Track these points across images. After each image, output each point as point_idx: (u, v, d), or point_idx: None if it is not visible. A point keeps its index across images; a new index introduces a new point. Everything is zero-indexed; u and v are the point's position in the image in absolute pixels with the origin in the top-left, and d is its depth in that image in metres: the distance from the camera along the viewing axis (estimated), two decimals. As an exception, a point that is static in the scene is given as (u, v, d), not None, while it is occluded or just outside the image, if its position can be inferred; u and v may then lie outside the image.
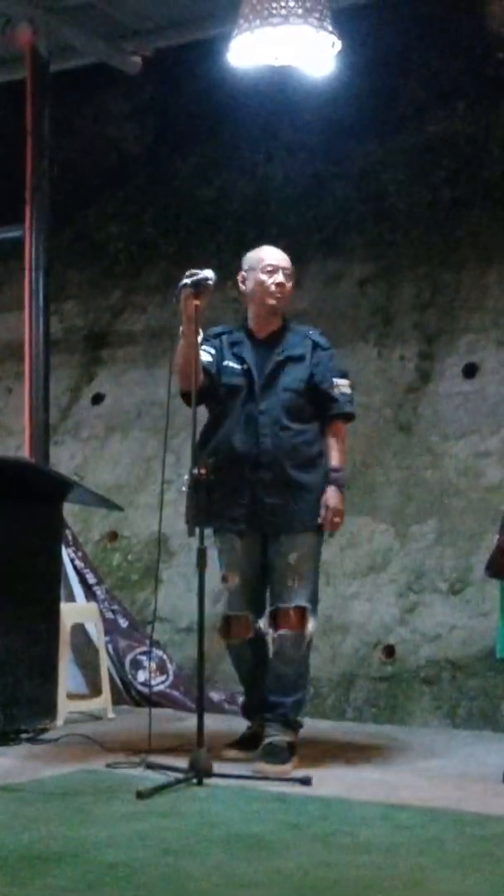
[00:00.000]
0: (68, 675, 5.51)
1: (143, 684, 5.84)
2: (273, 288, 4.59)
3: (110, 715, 5.55)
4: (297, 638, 4.46)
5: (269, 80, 5.90)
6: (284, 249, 4.75)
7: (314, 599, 4.55)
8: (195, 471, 4.18)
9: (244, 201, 7.15)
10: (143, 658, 5.89)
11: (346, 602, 5.98)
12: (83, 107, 7.79)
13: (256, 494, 4.51)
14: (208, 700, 5.22)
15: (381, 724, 5.56)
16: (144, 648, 5.89)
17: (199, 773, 4.00)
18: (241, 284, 4.69)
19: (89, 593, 6.02)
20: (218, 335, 4.69)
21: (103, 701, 5.58)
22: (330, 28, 4.73)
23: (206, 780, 4.00)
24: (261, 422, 4.52)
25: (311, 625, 4.49)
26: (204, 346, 4.52)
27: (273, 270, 4.61)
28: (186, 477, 4.22)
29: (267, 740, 4.41)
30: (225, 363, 4.60)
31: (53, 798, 3.84)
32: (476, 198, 6.40)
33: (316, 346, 4.64)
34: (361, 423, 6.36)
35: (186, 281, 4.32)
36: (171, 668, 5.91)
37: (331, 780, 4.11)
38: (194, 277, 4.31)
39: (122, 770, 4.28)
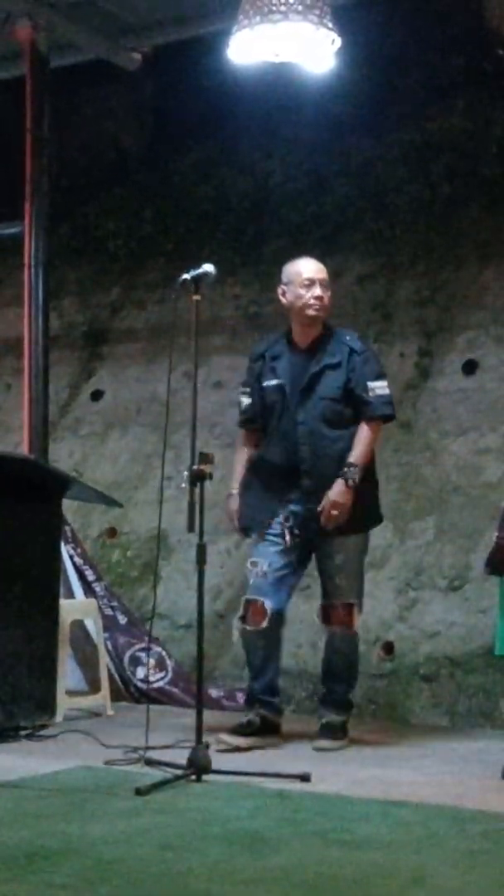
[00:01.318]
0: (67, 672, 5.51)
1: (142, 681, 5.83)
2: (312, 301, 4.79)
3: (109, 711, 5.55)
4: (346, 632, 4.79)
5: (268, 77, 5.89)
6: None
7: (360, 595, 4.84)
8: (195, 467, 4.19)
9: (243, 198, 7.14)
10: (143, 654, 5.88)
11: (346, 599, 5.98)
12: (82, 103, 7.79)
13: (299, 503, 4.75)
14: (207, 696, 5.22)
15: (380, 720, 5.56)
16: (143, 645, 5.89)
17: (198, 769, 4.01)
18: (281, 297, 4.89)
19: (88, 590, 6.02)
20: (260, 356, 4.94)
21: (102, 697, 5.58)
22: (330, 25, 4.73)
23: (205, 777, 4.00)
24: (299, 431, 4.76)
25: (358, 620, 4.81)
26: (242, 390, 4.97)
27: (311, 284, 4.81)
28: (186, 473, 4.22)
29: (324, 720, 4.81)
30: (265, 384, 4.88)
31: (52, 794, 3.84)
32: (475, 194, 6.40)
33: (352, 351, 4.79)
34: (361, 420, 6.37)
35: (186, 276, 4.35)
36: (170, 664, 5.91)
37: (330, 777, 4.11)
38: (194, 272, 4.33)
39: (120, 766, 4.28)
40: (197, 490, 4.17)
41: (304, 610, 6.09)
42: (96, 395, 7.37)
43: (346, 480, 4.67)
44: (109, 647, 5.86)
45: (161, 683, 5.81)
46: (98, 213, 7.70)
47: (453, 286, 6.32)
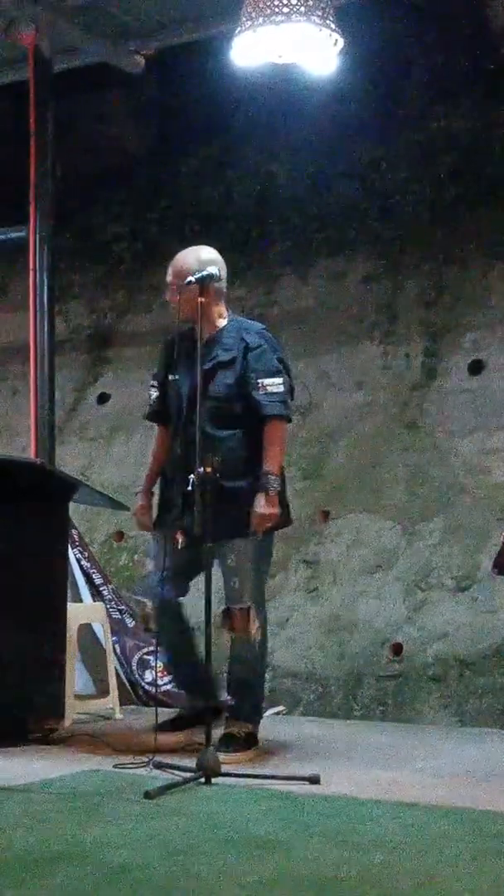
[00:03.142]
0: (76, 676, 5.51)
1: (150, 684, 5.83)
2: (172, 306, 4.67)
3: (118, 715, 5.54)
4: (244, 638, 4.51)
5: (272, 79, 5.89)
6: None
7: (259, 600, 4.59)
8: (201, 470, 4.18)
9: (248, 200, 7.14)
10: (151, 658, 5.88)
11: (354, 600, 5.98)
12: (86, 107, 7.79)
13: (191, 503, 4.50)
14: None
15: (389, 722, 5.55)
16: (151, 648, 5.88)
17: (207, 772, 4.00)
18: None
19: (96, 593, 6.01)
20: (169, 348, 4.75)
21: (111, 701, 5.58)
22: (333, 26, 4.72)
23: (214, 780, 4.00)
24: (190, 431, 4.53)
25: (255, 624, 4.50)
26: (151, 383, 4.84)
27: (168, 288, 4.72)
28: (192, 476, 4.22)
29: (225, 730, 4.54)
30: (170, 377, 4.71)
31: (61, 798, 3.84)
32: (480, 195, 6.39)
33: (247, 347, 4.58)
34: (367, 421, 6.37)
35: (191, 278, 4.34)
36: (178, 667, 5.90)
37: (339, 779, 4.10)
38: (199, 275, 4.32)
39: (129, 770, 4.27)
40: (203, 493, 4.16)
41: (311, 612, 6.09)
42: (102, 399, 7.37)
43: (267, 491, 4.45)
44: (117, 650, 5.86)
45: (169, 687, 5.80)
46: (102, 216, 7.70)
47: (459, 286, 6.31)
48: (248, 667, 4.59)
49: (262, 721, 4.77)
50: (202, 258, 4.64)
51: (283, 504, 4.65)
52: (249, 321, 4.79)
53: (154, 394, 4.83)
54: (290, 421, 4.67)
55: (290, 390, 4.65)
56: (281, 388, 4.54)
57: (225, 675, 4.70)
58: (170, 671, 4.83)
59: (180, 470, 4.55)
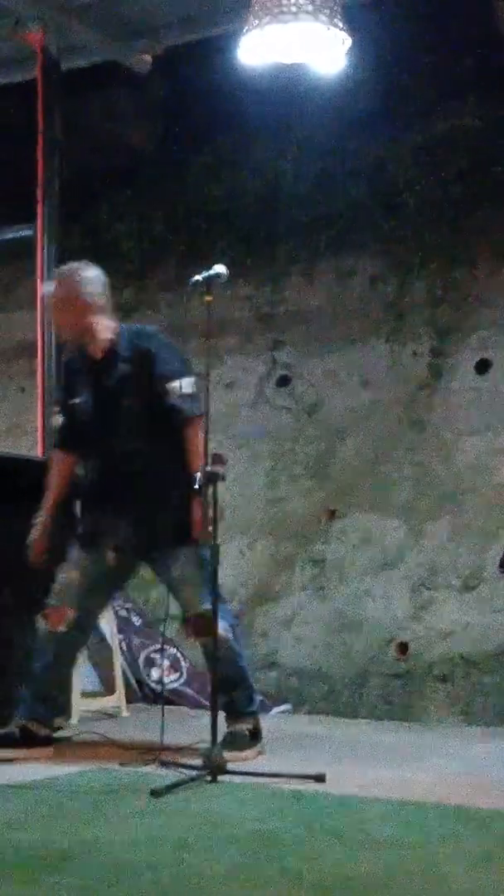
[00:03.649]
0: (82, 674, 5.51)
1: (156, 682, 5.84)
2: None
3: (124, 713, 5.55)
4: (212, 642, 4.43)
5: (279, 78, 5.87)
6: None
7: (215, 602, 4.48)
8: (208, 468, 4.18)
9: (255, 198, 7.13)
10: (157, 656, 5.89)
11: (360, 599, 5.98)
12: (93, 105, 7.78)
13: (115, 518, 4.55)
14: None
15: (394, 720, 5.55)
16: (158, 646, 5.89)
17: (213, 770, 4.00)
18: None
19: (102, 591, 6.01)
20: (67, 371, 4.72)
21: (117, 699, 5.59)
22: (340, 25, 4.72)
23: (220, 778, 4.00)
24: (106, 448, 4.54)
25: (220, 625, 4.41)
26: (55, 409, 4.74)
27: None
28: (199, 474, 4.22)
29: (229, 729, 4.52)
30: (71, 402, 4.66)
31: (67, 796, 3.84)
32: (487, 193, 6.38)
33: (145, 355, 4.53)
34: (374, 420, 6.36)
35: (198, 277, 4.35)
36: (184, 665, 5.91)
37: (345, 778, 4.10)
38: (206, 273, 4.32)
39: (135, 768, 4.28)
40: (210, 491, 4.16)
41: (317, 611, 6.09)
42: (109, 397, 7.37)
43: (200, 494, 4.31)
44: (124, 648, 5.87)
45: (176, 685, 5.81)
46: (109, 215, 7.70)
47: (466, 285, 6.31)
48: (226, 663, 4.50)
49: (268, 719, 4.77)
50: (83, 275, 4.64)
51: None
52: (140, 326, 4.71)
53: (60, 420, 4.73)
54: (202, 417, 4.51)
55: (197, 386, 4.58)
56: (189, 389, 4.50)
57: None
58: (30, 680, 4.63)
59: (101, 488, 4.56)
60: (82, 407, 4.62)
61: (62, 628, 4.57)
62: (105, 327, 4.61)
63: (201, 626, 4.45)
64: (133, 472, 4.53)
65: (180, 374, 4.52)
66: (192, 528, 4.37)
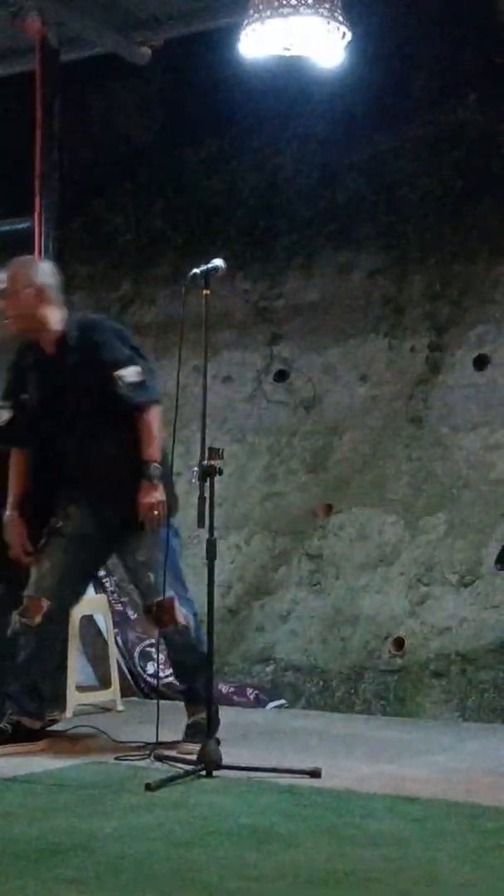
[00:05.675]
0: (77, 667, 5.51)
1: (152, 676, 5.83)
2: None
3: (119, 707, 5.55)
4: (176, 628, 4.47)
5: (279, 71, 5.87)
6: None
7: (179, 588, 4.52)
8: (205, 462, 4.18)
9: (254, 192, 7.12)
10: (152, 650, 5.88)
11: (356, 594, 5.98)
12: (92, 98, 7.77)
13: (78, 506, 4.56)
14: (217, 691, 5.21)
15: (390, 716, 5.55)
16: (153, 640, 5.88)
17: (208, 764, 4.00)
18: None
19: (98, 585, 6.01)
20: (16, 365, 4.69)
21: (112, 693, 5.58)
22: (340, 18, 4.72)
23: (215, 772, 4.00)
24: (62, 441, 4.56)
25: (181, 612, 4.44)
26: (1, 404, 4.66)
27: None
28: (195, 469, 4.21)
29: (191, 719, 4.50)
30: (22, 396, 4.63)
31: (62, 790, 3.84)
32: (487, 188, 6.37)
33: (91, 345, 4.51)
34: (371, 415, 6.36)
35: (196, 271, 4.34)
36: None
37: (340, 773, 4.10)
38: (204, 267, 4.31)
39: (130, 762, 4.27)
40: (207, 485, 4.16)
41: (313, 605, 6.09)
42: (106, 390, 7.36)
43: (150, 479, 4.38)
44: (119, 642, 5.87)
45: (171, 679, 5.80)
46: (108, 208, 7.69)
47: (465, 281, 6.30)
48: (186, 651, 4.50)
49: (263, 714, 4.77)
50: (35, 266, 4.69)
51: (170, 490, 4.56)
52: (88, 316, 4.66)
53: (5, 416, 4.69)
54: (157, 402, 4.54)
55: (151, 373, 4.55)
56: (136, 377, 4.46)
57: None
58: (17, 675, 4.61)
59: (59, 478, 4.57)
60: (32, 402, 4.61)
61: (38, 620, 4.55)
62: (56, 319, 4.60)
63: (167, 612, 4.46)
64: (88, 461, 4.53)
65: (126, 363, 4.48)
66: (140, 512, 4.39)
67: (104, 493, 4.55)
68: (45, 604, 4.55)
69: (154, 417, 4.50)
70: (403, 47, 6.69)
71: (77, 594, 4.81)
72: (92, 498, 4.58)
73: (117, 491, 4.48)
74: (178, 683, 4.75)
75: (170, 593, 4.45)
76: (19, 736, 4.51)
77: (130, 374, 4.46)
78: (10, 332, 4.59)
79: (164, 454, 4.52)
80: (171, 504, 4.57)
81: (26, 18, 6.37)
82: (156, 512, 4.42)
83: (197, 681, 4.53)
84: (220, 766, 4.02)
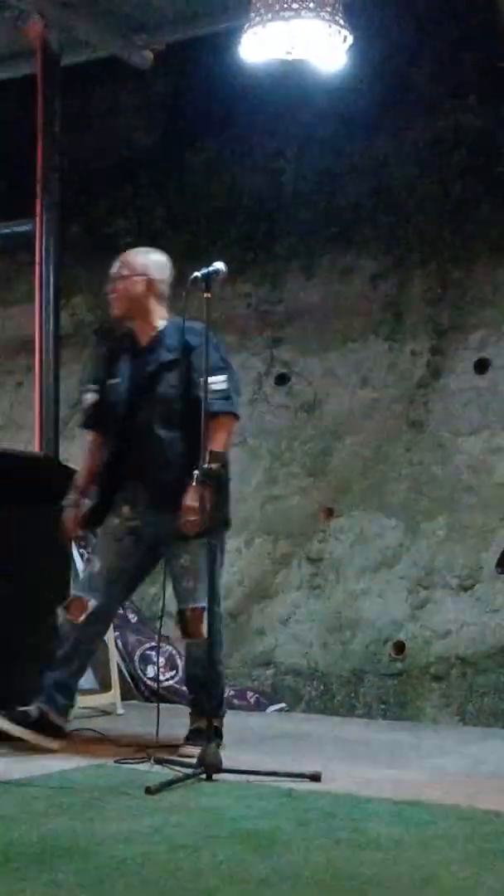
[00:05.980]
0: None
1: (152, 679, 5.83)
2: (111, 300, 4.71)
3: (119, 710, 5.54)
4: (200, 641, 4.44)
5: (280, 75, 5.87)
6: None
7: (214, 599, 4.47)
8: (206, 465, 4.18)
9: (255, 196, 7.13)
10: (153, 653, 5.88)
11: (356, 598, 5.97)
12: (94, 101, 7.78)
13: (140, 506, 4.59)
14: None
15: (390, 720, 5.54)
16: (154, 644, 5.88)
17: (208, 768, 4.00)
18: None
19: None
20: (106, 353, 4.80)
21: (112, 696, 5.58)
22: (342, 22, 4.71)
23: (216, 776, 3.99)
24: (136, 434, 4.58)
25: (205, 626, 4.40)
26: (88, 388, 4.79)
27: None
28: (196, 471, 4.21)
29: (194, 725, 4.51)
30: (109, 382, 4.69)
31: (62, 793, 3.83)
32: (488, 192, 6.38)
33: (188, 348, 4.55)
34: (372, 419, 6.36)
35: (197, 274, 4.34)
36: (180, 663, 5.89)
37: (340, 777, 4.10)
38: (205, 270, 4.32)
39: (130, 765, 4.27)
40: (211, 488, 4.15)
41: (314, 609, 6.09)
42: (107, 393, 7.35)
43: (200, 481, 4.27)
44: (120, 645, 5.86)
45: (171, 682, 5.80)
46: (109, 210, 7.69)
47: (465, 284, 6.30)
48: (202, 666, 4.43)
49: (263, 717, 4.76)
50: (152, 258, 4.77)
51: (224, 501, 4.47)
52: (190, 321, 4.65)
53: (91, 398, 4.77)
54: (237, 417, 4.62)
55: (236, 387, 4.62)
56: (224, 386, 4.50)
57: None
58: (55, 666, 4.64)
59: (124, 473, 4.60)
60: (118, 388, 4.66)
61: (82, 619, 4.59)
62: (159, 315, 4.70)
63: (196, 621, 4.47)
64: (156, 460, 4.54)
65: (216, 371, 4.48)
66: (184, 516, 4.39)
67: (162, 496, 4.53)
68: (91, 604, 4.59)
69: (227, 427, 4.52)
70: (404, 50, 6.69)
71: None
72: (149, 500, 4.59)
73: (175, 496, 4.45)
74: (186, 690, 4.74)
75: (202, 603, 4.44)
76: (44, 726, 4.54)
77: (218, 382, 4.48)
78: (111, 314, 4.67)
79: (226, 466, 4.47)
80: (226, 517, 4.55)
81: (28, 22, 6.38)
82: (192, 517, 4.35)
83: (203, 693, 4.49)
84: (220, 770, 4.01)
